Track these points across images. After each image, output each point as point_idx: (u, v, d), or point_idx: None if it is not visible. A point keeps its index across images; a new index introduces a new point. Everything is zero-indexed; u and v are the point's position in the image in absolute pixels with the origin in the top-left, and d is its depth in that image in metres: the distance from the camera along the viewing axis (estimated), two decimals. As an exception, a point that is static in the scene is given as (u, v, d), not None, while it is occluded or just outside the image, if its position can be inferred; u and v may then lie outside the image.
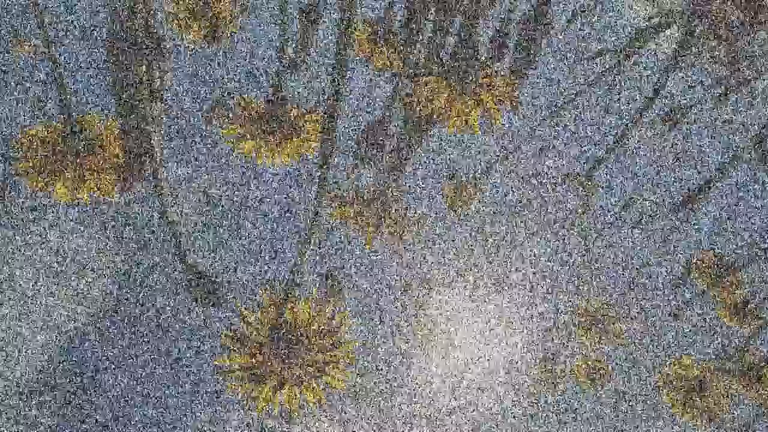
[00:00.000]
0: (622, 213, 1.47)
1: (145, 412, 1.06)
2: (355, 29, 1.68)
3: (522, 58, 1.73)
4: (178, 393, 1.08)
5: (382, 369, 1.16)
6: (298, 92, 1.51)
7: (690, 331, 1.32)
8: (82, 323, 1.12)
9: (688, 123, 1.69)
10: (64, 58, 1.46)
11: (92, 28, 1.53)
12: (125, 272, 1.19)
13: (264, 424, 1.07)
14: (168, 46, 1.54)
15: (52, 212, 1.23)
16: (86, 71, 1.45)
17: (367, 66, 1.61)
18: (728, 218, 1.51)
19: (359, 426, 1.10)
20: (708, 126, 1.69)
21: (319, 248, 1.28)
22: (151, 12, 1.59)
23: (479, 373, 1.19)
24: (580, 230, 1.41)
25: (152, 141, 1.37)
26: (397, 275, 1.28)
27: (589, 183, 1.50)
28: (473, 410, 1.15)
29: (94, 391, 1.06)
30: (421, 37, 1.69)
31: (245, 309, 1.18)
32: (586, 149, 1.57)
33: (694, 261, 1.42)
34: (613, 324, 1.29)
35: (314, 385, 1.12)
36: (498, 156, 1.50)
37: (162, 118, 1.41)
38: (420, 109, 1.53)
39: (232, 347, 1.13)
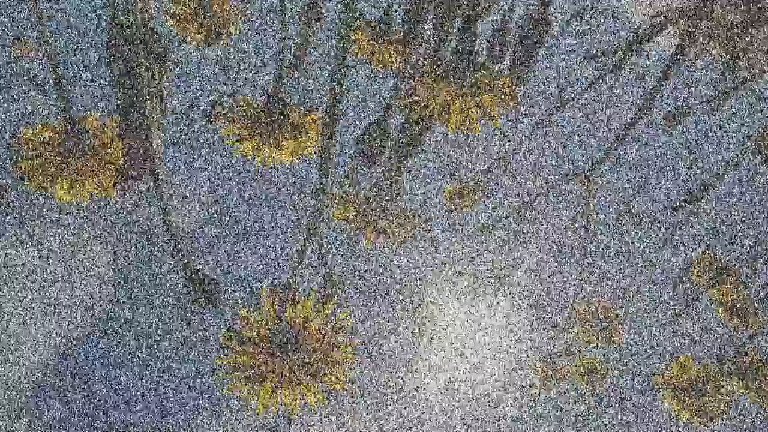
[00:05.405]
0: (622, 213, 1.47)
1: (145, 412, 1.06)
2: (355, 29, 1.68)
3: (522, 58, 1.73)
4: (178, 393, 1.08)
5: (381, 369, 1.16)
6: (298, 92, 1.51)
7: (690, 331, 1.32)
8: (81, 324, 1.12)
9: (688, 123, 1.69)
10: (64, 58, 1.46)
11: (92, 28, 1.53)
12: (125, 272, 1.19)
13: (264, 424, 1.07)
14: (168, 46, 1.54)
15: (52, 212, 1.23)
16: (86, 71, 1.45)
17: (367, 66, 1.61)
18: (728, 218, 1.51)
19: (359, 426, 1.10)
20: (708, 126, 1.69)
21: (319, 248, 1.28)
22: (151, 12, 1.59)
23: (479, 373, 1.19)
24: (580, 230, 1.41)
25: (152, 141, 1.37)
26: (397, 275, 1.28)
27: (589, 183, 1.50)
28: (473, 410, 1.15)
29: (93, 391, 1.06)
30: (421, 37, 1.69)
31: (245, 309, 1.18)
32: (586, 149, 1.57)
33: (694, 261, 1.42)
34: (613, 324, 1.29)
35: (314, 385, 1.12)
36: (498, 156, 1.50)
37: (162, 118, 1.41)
38: (420, 109, 1.53)
39: (232, 347, 1.13)
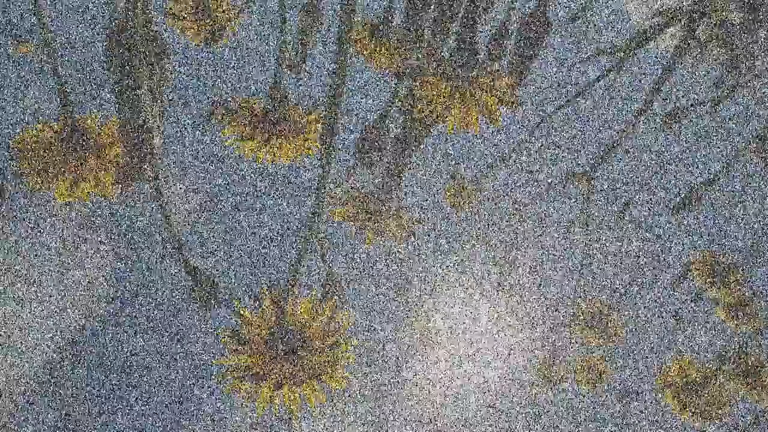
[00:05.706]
0: (622, 213, 1.47)
1: (144, 413, 1.06)
2: (355, 29, 1.68)
3: (522, 58, 1.73)
4: (178, 393, 1.08)
5: (381, 369, 1.16)
6: (298, 92, 1.51)
7: (690, 331, 1.32)
8: (80, 324, 1.12)
9: (687, 123, 1.69)
10: (64, 58, 1.46)
11: (92, 28, 1.53)
12: (125, 272, 1.19)
13: (264, 424, 1.07)
14: (168, 46, 1.54)
15: (52, 212, 1.23)
16: (86, 71, 1.45)
17: (367, 66, 1.61)
18: (728, 218, 1.51)
19: (359, 426, 1.10)
20: (708, 126, 1.69)
21: (319, 248, 1.28)
22: (151, 12, 1.59)
23: (479, 374, 1.19)
24: (580, 230, 1.41)
25: (152, 141, 1.37)
26: (397, 275, 1.28)
27: (589, 183, 1.50)
28: (473, 410, 1.15)
29: (92, 391, 1.06)
30: (421, 37, 1.69)
31: (245, 309, 1.18)
32: (586, 149, 1.57)
33: (694, 261, 1.42)
34: (613, 324, 1.29)
35: (314, 385, 1.12)
36: (498, 156, 1.50)
37: (162, 118, 1.41)
38: (420, 109, 1.53)
39: (232, 347, 1.13)
